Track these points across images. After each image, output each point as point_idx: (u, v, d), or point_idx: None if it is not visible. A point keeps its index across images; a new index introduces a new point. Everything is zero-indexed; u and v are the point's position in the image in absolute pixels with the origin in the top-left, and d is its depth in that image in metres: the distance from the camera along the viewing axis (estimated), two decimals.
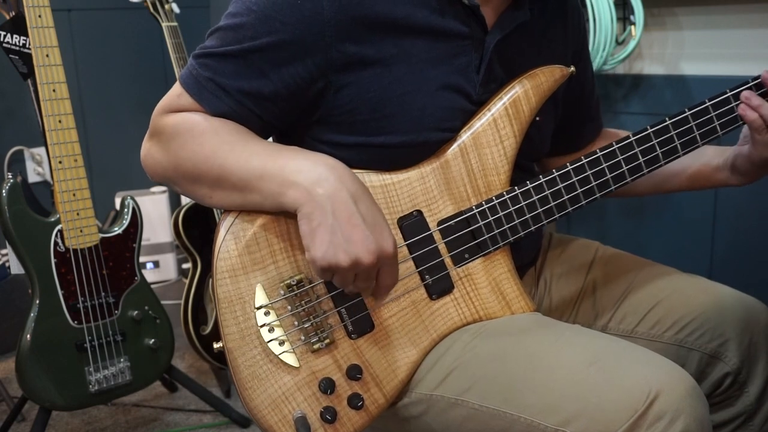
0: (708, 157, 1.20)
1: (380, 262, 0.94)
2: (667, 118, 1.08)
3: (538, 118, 1.09)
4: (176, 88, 1.03)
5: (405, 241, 1.03)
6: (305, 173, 0.93)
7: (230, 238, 0.98)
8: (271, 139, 1.13)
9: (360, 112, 1.01)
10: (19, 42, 1.77)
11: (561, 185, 1.06)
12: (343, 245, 0.91)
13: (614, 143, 1.07)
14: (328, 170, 0.93)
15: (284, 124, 1.05)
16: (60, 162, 1.72)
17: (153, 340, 1.87)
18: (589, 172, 1.07)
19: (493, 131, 1.06)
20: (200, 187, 1.01)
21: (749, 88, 1.08)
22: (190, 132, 1.00)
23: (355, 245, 0.91)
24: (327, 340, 1.00)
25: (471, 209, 1.05)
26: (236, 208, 1.00)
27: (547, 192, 1.06)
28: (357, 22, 0.97)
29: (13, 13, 1.79)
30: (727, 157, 1.17)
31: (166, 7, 2.11)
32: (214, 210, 2.09)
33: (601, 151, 1.07)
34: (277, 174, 0.94)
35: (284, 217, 0.99)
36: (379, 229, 0.93)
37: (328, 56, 0.98)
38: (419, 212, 1.04)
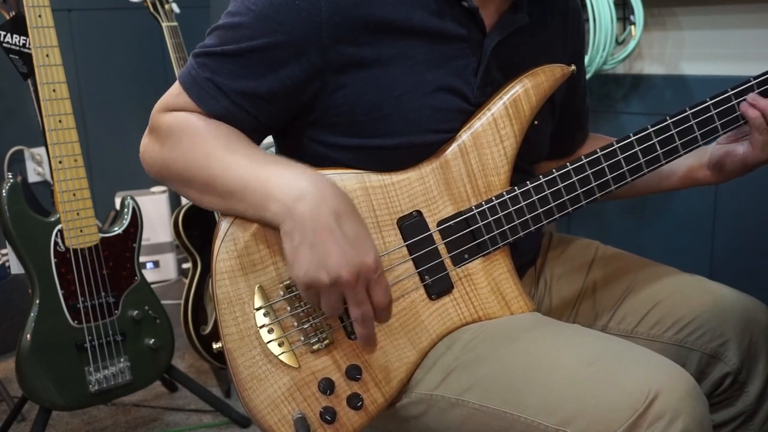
0: (692, 158, 1.19)
1: (362, 277, 0.92)
2: (667, 117, 1.07)
3: (536, 122, 1.09)
4: (176, 87, 1.03)
5: (405, 241, 1.03)
6: (287, 188, 0.93)
7: (229, 240, 0.98)
8: (270, 138, 1.13)
9: (356, 114, 1.01)
10: (19, 42, 1.77)
11: (561, 185, 1.06)
12: (323, 262, 0.90)
13: (614, 143, 1.07)
14: (310, 186, 0.93)
15: (280, 124, 1.05)
16: (60, 162, 1.72)
17: (153, 340, 1.87)
18: (589, 172, 1.07)
19: (493, 131, 1.06)
20: (191, 188, 1.01)
21: (751, 88, 1.08)
22: (184, 133, 1.00)
23: (334, 261, 0.90)
24: (326, 341, 1.00)
25: (471, 209, 1.05)
26: (225, 214, 1.00)
27: (547, 192, 1.06)
28: (354, 24, 0.97)
29: (13, 13, 1.79)
30: (710, 156, 1.17)
31: (166, 7, 2.11)
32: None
33: (601, 151, 1.07)
34: (260, 186, 0.94)
35: None
36: (360, 245, 0.92)
37: (325, 57, 0.98)
38: (419, 212, 1.04)
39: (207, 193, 0.99)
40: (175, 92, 1.03)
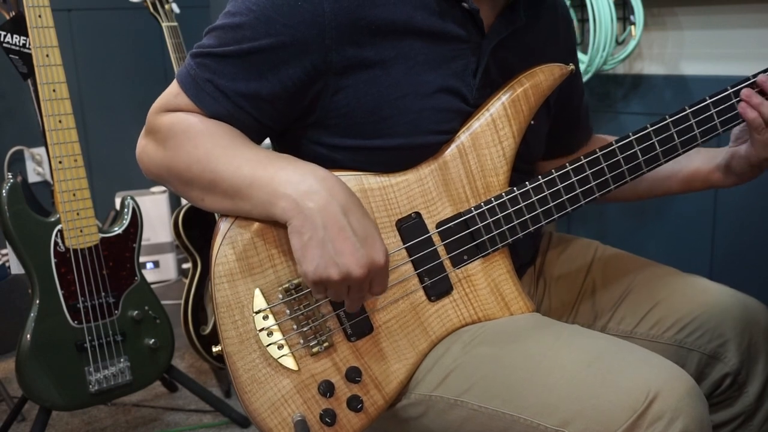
0: (702, 160, 1.20)
1: (371, 274, 0.92)
2: (667, 116, 1.07)
3: (533, 122, 1.09)
4: (173, 87, 1.02)
5: (404, 243, 1.03)
6: (295, 184, 0.92)
7: (228, 243, 0.98)
8: (268, 140, 1.13)
9: (357, 115, 1.01)
10: (19, 42, 1.77)
11: (560, 185, 1.06)
12: (334, 259, 0.90)
13: (614, 142, 1.07)
14: (318, 182, 0.92)
15: (281, 125, 1.05)
16: (60, 162, 1.72)
17: (153, 340, 1.87)
18: (588, 172, 1.07)
19: (492, 132, 1.05)
20: (192, 189, 1.00)
21: (750, 86, 1.07)
22: (186, 133, 0.99)
23: (346, 258, 0.90)
24: (326, 343, 1.00)
25: (470, 211, 1.05)
26: (228, 214, 0.99)
27: (546, 192, 1.06)
28: (357, 25, 0.97)
29: (13, 13, 1.79)
30: (721, 158, 1.17)
31: (166, 7, 2.11)
32: None
33: (600, 151, 1.07)
34: (267, 184, 0.94)
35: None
36: (370, 241, 0.92)
37: (327, 59, 0.97)
38: (418, 214, 1.04)
39: (210, 193, 0.99)
40: (173, 93, 1.02)
